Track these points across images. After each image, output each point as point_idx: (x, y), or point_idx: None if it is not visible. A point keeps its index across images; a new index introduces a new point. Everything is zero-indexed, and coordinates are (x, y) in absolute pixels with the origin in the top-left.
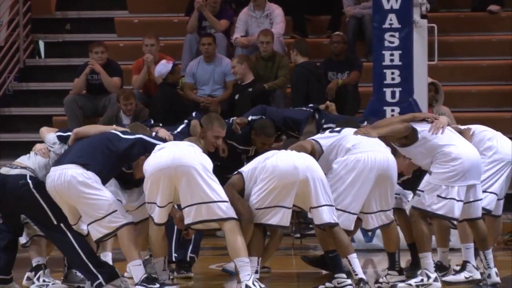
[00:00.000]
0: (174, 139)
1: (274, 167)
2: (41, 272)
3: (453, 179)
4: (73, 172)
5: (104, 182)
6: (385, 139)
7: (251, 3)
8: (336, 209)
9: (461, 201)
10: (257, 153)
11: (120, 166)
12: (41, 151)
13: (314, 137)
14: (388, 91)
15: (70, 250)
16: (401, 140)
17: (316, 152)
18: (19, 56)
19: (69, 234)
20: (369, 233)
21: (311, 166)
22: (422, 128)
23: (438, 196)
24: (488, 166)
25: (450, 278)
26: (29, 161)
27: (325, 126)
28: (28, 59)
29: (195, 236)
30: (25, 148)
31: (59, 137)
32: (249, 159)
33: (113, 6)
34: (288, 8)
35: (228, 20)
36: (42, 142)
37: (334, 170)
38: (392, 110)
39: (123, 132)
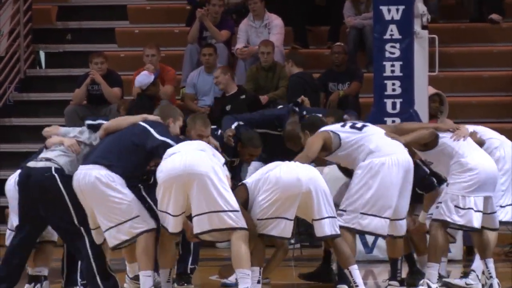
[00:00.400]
0: None
1: (277, 178)
2: (38, 285)
3: (469, 189)
4: (97, 173)
5: (131, 180)
6: (397, 130)
7: (251, 13)
8: (368, 214)
9: (479, 211)
10: (241, 163)
11: (146, 163)
12: (72, 147)
13: (333, 129)
14: (388, 102)
15: (83, 255)
16: (421, 145)
17: (332, 145)
18: (20, 66)
19: (86, 239)
20: (369, 244)
21: (314, 178)
22: (443, 134)
23: (456, 206)
24: (503, 178)
25: (450, 280)
26: (54, 154)
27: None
28: (29, 69)
29: (194, 247)
30: (26, 158)
31: (89, 126)
32: (233, 169)
33: (114, 17)
34: (289, 19)
35: (229, 31)
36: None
37: (359, 175)
38: (393, 121)
39: (152, 125)
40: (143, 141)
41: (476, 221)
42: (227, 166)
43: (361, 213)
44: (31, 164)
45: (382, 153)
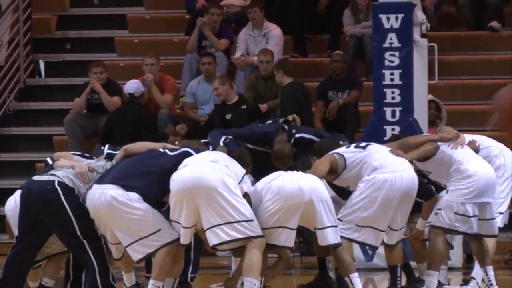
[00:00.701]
0: None
1: (279, 188)
2: None
3: (469, 195)
4: (113, 192)
5: (152, 200)
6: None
7: (250, 22)
8: (363, 226)
9: (475, 216)
10: None
11: (165, 187)
12: (82, 175)
13: (338, 151)
14: (388, 110)
15: (88, 268)
16: None
17: (338, 167)
18: (19, 75)
19: (90, 253)
20: (370, 252)
21: (316, 188)
22: (441, 143)
23: (456, 213)
24: (503, 186)
25: (450, 287)
26: (61, 173)
27: (297, 135)
28: (28, 78)
29: (194, 255)
30: (25, 167)
31: (108, 155)
32: None
33: (113, 26)
34: (288, 27)
35: (228, 40)
36: (42, 162)
37: (361, 189)
38: (393, 129)
39: (170, 150)
40: (160, 162)
41: (475, 227)
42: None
43: (357, 225)
44: (36, 177)
45: (386, 170)
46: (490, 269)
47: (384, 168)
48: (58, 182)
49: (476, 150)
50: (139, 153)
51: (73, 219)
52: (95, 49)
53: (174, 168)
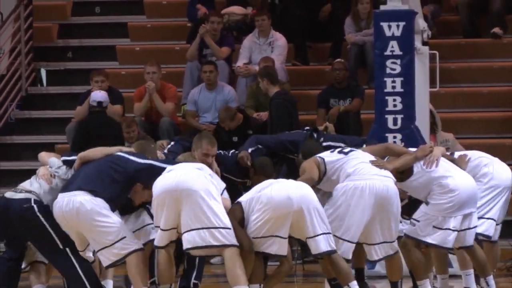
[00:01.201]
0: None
1: (268, 198)
2: None
3: (450, 210)
4: (81, 199)
5: (115, 206)
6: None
7: (256, 29)
8: (341, 239)
9: (456, 231)
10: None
11: (129, 188)
12: (44, 176)
13: (321, 155)
14: (390, 118)
15: (74, 277)
16: (397, 174)
17: (321, 171)
18: (21, 84)
19: (74, 260)
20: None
21: (305, 196)
22: (417, 162)
23: (434, 226)
24: (484, 192)
25: None
26: (32, 186)
27: (324, 144)
28: (30, 87)
29: (199, 263)
30: (27, 176)
31: (64, 162)
32: (246, 189)
33: (115, 34)
34: (290, 35)
35: (230, 47)
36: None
37: (334, 197)
38: (394, 137)
39: (129, 154)
40: (123, 167)
41: (451, 240)
42: (232, 189)
43: (335, 235)
44: (10, 195)
45: (358, 177)
46: (490, 279)
47: (357, 175)
48: (35, 200)
49: (464, 163)
50: (96, 159)
51: (53, 234)
52: (97, 57)
53: (136, 175)
